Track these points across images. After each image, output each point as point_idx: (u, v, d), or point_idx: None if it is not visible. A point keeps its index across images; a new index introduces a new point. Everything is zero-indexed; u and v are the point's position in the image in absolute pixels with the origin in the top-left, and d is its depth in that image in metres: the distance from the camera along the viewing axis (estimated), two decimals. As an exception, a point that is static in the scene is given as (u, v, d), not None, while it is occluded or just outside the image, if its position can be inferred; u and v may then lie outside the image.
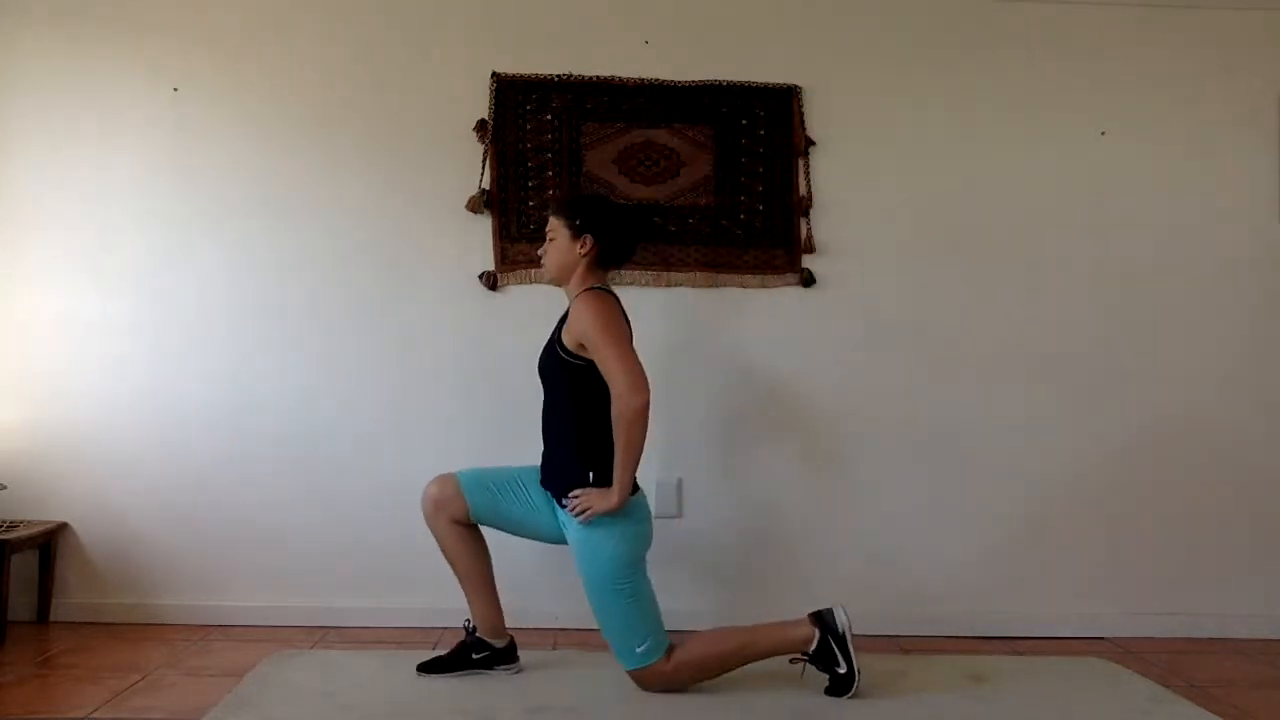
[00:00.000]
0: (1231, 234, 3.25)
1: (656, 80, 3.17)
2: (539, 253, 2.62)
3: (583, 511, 2.38)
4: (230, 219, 3.11)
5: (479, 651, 2.57)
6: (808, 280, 3.16)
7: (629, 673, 2.46)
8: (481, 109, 3.15)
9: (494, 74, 3.15)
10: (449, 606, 3.06)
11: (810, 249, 3.17)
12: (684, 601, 3.12)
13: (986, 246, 3.21)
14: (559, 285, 2.59)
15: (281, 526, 3.08)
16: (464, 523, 2.53)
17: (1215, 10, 3.25)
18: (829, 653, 2.43)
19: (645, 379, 2.33)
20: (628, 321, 2.47)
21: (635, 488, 2.46)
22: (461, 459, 3.10)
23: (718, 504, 3.14)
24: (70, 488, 3.05)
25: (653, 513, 3.06)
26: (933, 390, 3.18)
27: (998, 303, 3.21)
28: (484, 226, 3.15)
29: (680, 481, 3.14)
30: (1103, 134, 3.24)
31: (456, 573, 2.57)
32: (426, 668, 2.56)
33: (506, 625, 2.60)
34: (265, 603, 3.06)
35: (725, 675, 2.53)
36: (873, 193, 3.21)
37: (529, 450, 3.09)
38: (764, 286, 3.16)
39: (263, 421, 3.09)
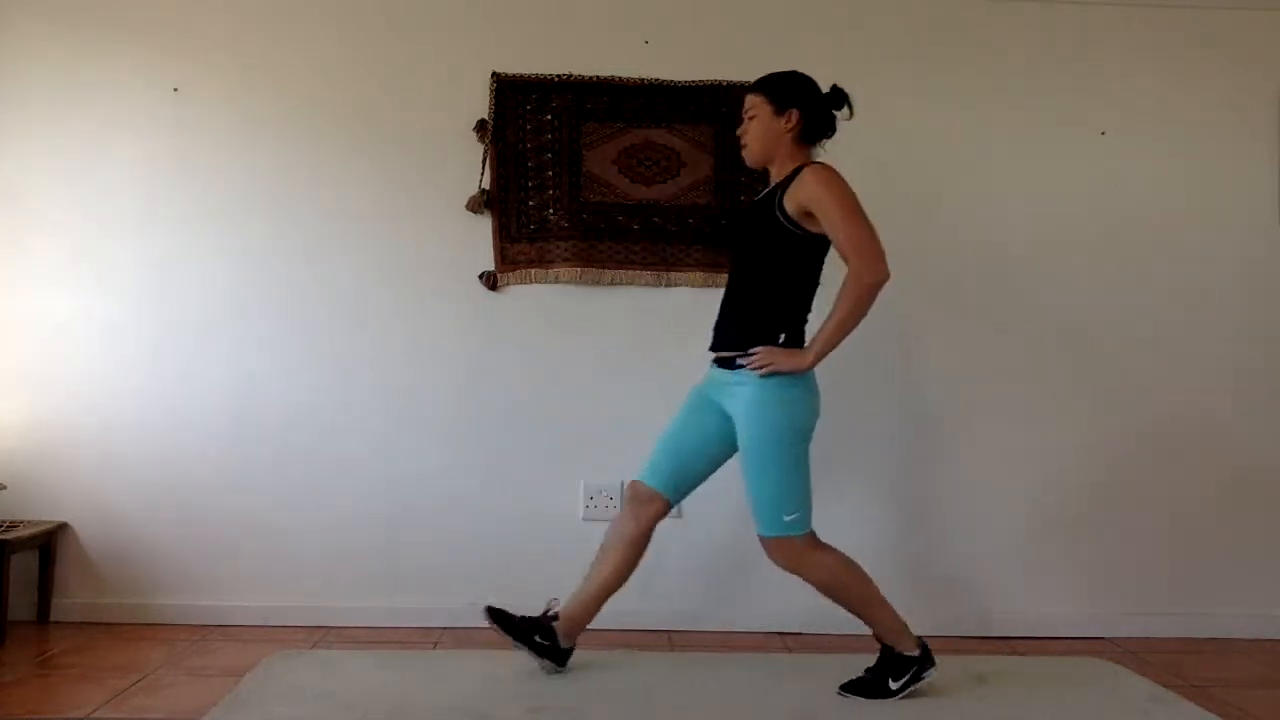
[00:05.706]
0: (1231, 234, 3.25)
1: (656, 80, 3.17)
2: (738, 133, 2.54)
3: (763, 368, 2.35)
4: (231, 219, 3.11)
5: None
6: (808, 280, 3.15)
7: (764, 539, 2.41)
8: (481, 109, 3.15)
9: (494, 74, 3.14)
10: (449, 606, 3.07)
11: (810, 249, 3.17)
12: (682, 602, 3.13)
13: (986, 246, 3.21)
14: (761, 166, 2.54)
15: (282, 526, 3.08)
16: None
17: (1215, 10, 3.24)
18: (898, 669, 2.44)
19: (884, 254, 2.31)
20: None
21: None
22: (462, 458, 3.12)
23: (718, 504, 3.14)
24: (70, 488, 3.05)
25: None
26: (932, 389, 3.18)
27: (997, 302, 3.21)
28: (484, 226, 3.15)
29: (680, 481, 3.14)
30: (1103, 134, 3.24)
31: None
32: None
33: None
34: (265, 603, 3.05)
35: (723, 673, 2.52)
36: (872, 192, 3.17)
37: (530, 449, 3.13)
38: (764, 286, 3.16)
39: (263, 421, 3.09)
